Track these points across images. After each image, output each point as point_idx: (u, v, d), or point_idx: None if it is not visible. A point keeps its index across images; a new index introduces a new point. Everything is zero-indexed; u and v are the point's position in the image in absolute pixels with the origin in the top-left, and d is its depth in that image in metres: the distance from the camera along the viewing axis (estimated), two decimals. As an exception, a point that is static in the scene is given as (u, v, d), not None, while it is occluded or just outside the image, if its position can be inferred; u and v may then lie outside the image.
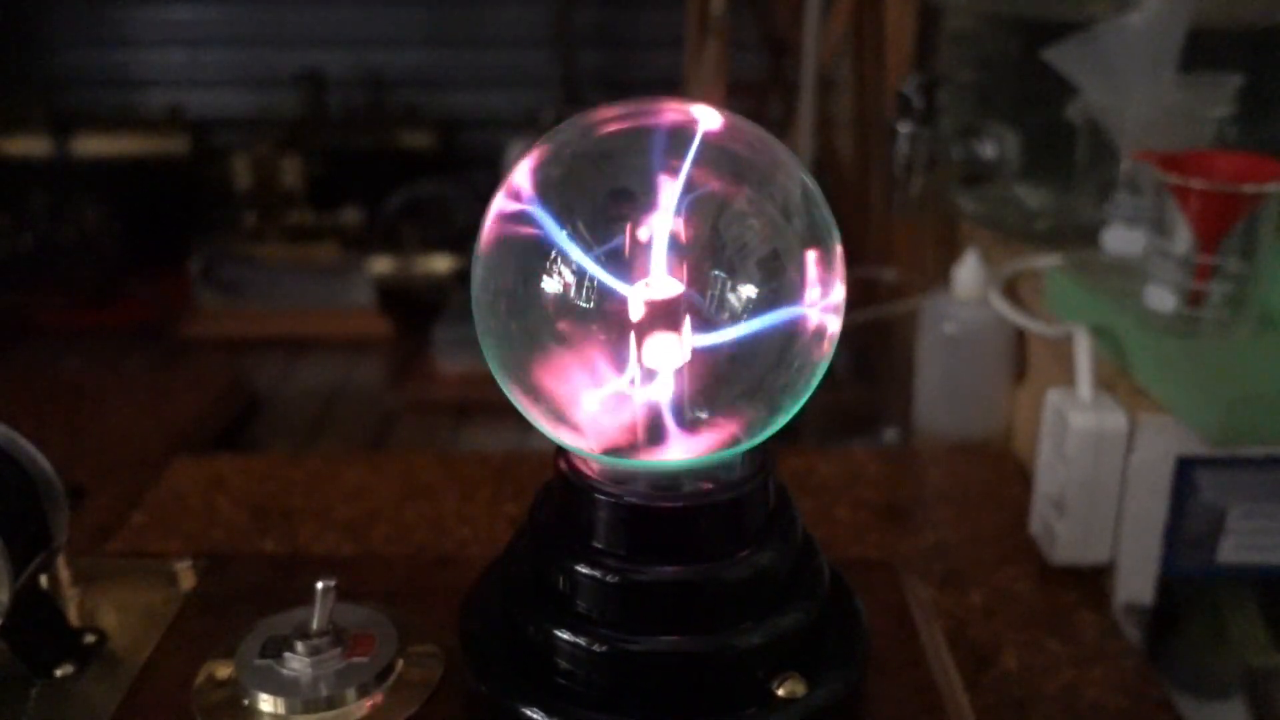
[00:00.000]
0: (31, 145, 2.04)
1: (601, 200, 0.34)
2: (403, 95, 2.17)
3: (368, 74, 2.15)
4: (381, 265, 1.74)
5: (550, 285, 0.34)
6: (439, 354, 1.36)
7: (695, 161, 0.34)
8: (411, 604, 0.49)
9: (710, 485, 0.36)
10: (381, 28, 2.19)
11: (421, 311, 1.59)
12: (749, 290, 0.34)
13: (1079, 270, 0.78)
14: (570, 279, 0.34)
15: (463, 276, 1.76)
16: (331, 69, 2.14)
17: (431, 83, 2.19)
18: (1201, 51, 0.75)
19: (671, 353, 0.34)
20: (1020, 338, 0.86)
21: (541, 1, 2.12)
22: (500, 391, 0.37)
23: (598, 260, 0.33)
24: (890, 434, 0.99)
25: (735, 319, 0.34)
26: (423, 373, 1.38)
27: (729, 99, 1.33)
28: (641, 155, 0.34)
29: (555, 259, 0.34)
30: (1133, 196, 0.77)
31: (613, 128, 0.36)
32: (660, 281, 0.34)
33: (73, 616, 0.48)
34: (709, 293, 0.34)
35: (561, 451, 0.38)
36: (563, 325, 0.34)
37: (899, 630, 0.46)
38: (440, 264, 1.74)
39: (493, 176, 1.93)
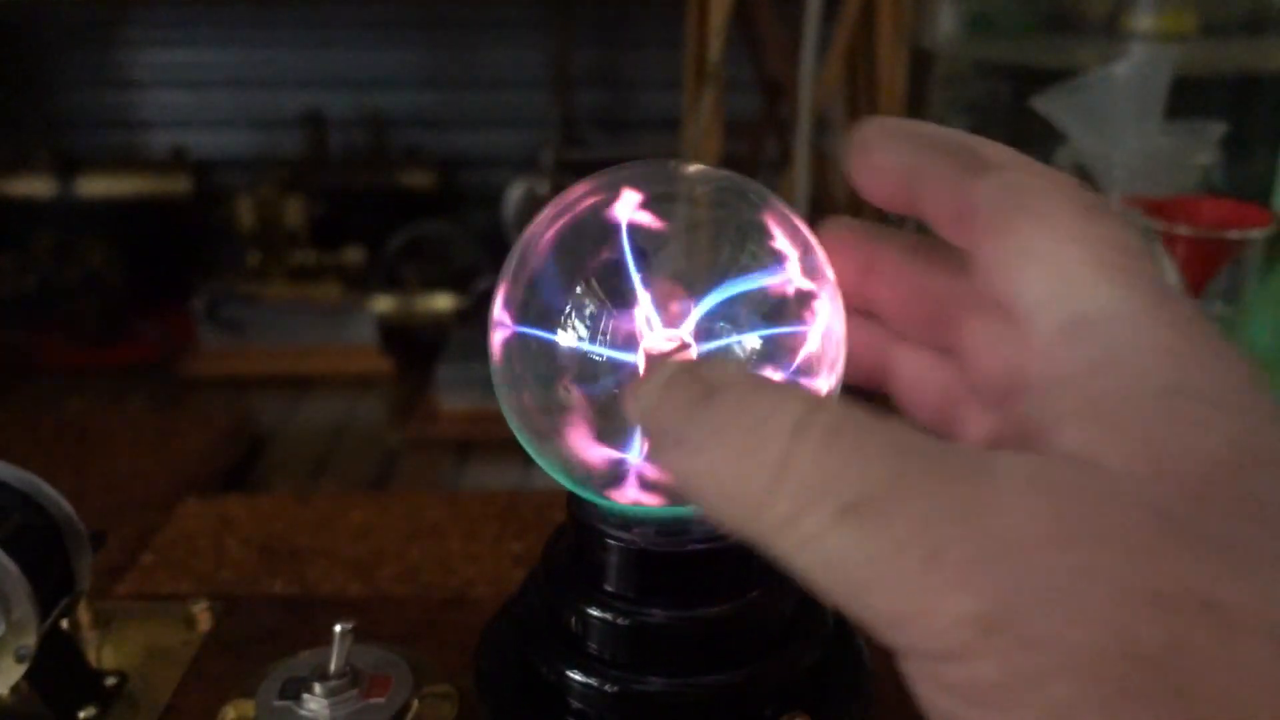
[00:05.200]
0: (36, 186, 2.06)
1: (599, 267, 0.36)
2: (403, 136, 2.20)
3: (368, 115, 2.18)
4: (383, 304, 1.76)
5: (563, 339, 0.35)
6: (441, 392, 1.38)
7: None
8: (424, 645, 0.50)
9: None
10: (381, 69, 2.22)
11: (423, 349, 1.61)
12: (752, 341, 0.35)
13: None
14: (582, 331, 0.35)
15: (463, 315, 1.78)
16: (332, 110, 2.17)
17: (431, 123, 2.22)
18: (1185, 98, 0.77)
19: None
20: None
21: (540, 43, 2.15)
22: (503, 428, 0.38)
23: (602, 312, 0.35)
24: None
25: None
26: (425, 410, 1.39)
27: (726, 140, 1.35)
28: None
29: (568, 315, 0.35)
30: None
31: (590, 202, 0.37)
32: (661, 332, 0.35)
33: (93, 659, 0.49)
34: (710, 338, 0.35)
35: (573, 496, 0.39)
36: (571, 378, 0.35)
37: (895, 666, 0.47)
38: (441, 302, 1.76)
39: (493, 215, 1.96)
